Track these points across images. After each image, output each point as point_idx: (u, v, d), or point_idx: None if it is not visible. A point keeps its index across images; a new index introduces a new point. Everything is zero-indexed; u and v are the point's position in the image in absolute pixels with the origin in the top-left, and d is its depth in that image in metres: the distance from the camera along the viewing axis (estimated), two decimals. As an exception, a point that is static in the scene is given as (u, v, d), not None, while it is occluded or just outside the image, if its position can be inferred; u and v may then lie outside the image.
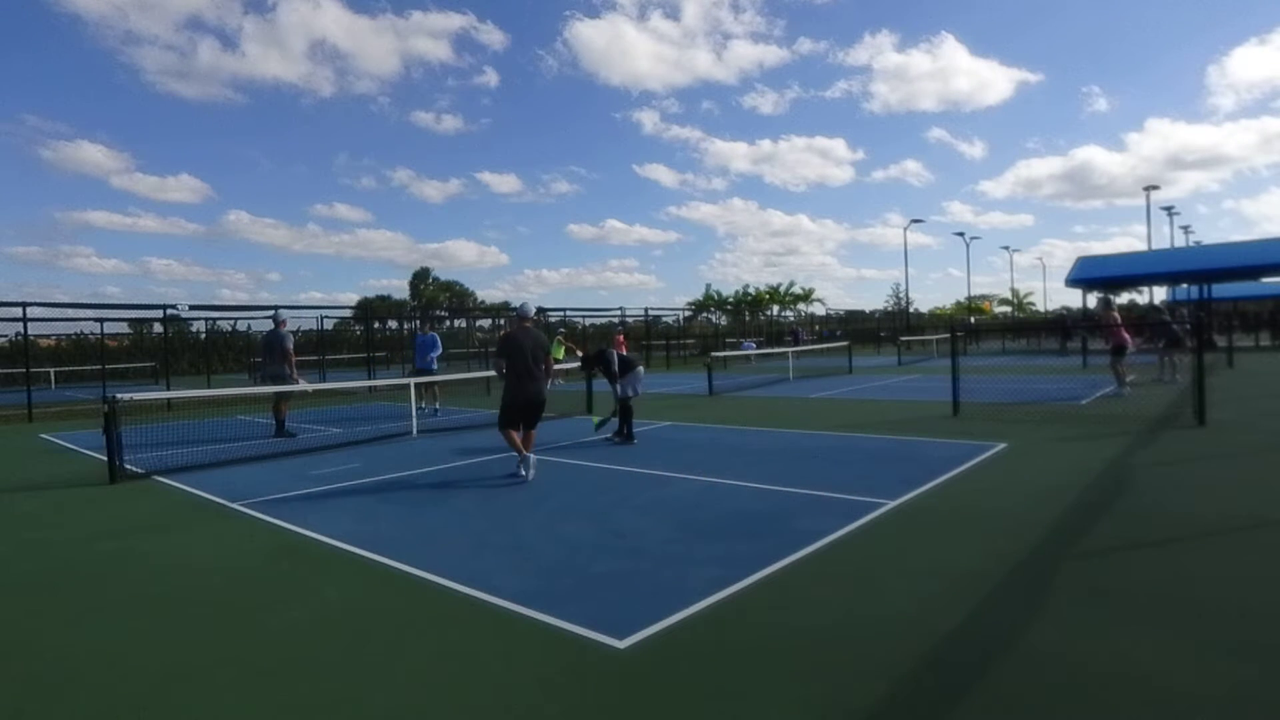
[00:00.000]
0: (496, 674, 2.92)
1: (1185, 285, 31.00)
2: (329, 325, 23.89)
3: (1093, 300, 30.15)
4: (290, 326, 11.76)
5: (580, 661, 2.99)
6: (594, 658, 3.02)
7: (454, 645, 3.21)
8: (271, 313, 11.44)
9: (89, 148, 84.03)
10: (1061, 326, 31.07)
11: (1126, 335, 12.53)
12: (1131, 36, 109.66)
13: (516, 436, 6.89)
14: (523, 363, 6.86)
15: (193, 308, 20.29)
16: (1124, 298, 45.55)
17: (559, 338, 23.82)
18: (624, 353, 23.54)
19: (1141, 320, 12.84)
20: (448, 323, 46.85)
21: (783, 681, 2.76)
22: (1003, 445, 7.68)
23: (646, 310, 33.19)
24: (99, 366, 24.89)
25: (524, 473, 6.73)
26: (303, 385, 10.80)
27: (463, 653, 3.13)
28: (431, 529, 5.22)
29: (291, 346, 10.79)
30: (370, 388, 17.44)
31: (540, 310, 32.21)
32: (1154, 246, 41.55)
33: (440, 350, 14.09)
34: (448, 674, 2.94)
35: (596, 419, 9.92)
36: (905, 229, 49.41)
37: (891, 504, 5.33)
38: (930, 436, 8.51)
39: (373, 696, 2.76)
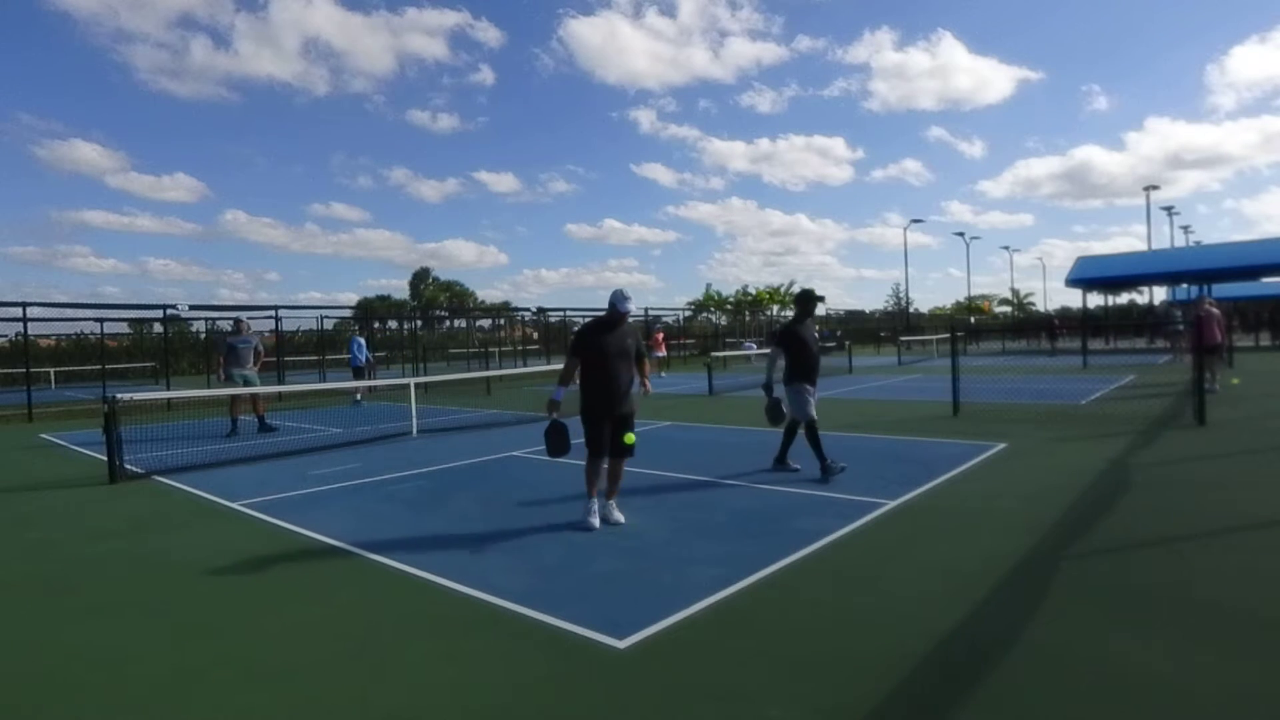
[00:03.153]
0: (497, 674, 2.92)
1: (1185, 285, 30.99)
2: (329, 325, 23.87)
3: (1095, 300, 30.09)
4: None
5: (580, 661, 2.99)
6: (594, 658, 3.02)
7: (454, 645, 3.21)
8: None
9: (83, 146, 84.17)
10: (1049, 326, 30.90)
11: (1219, 332, 11.93)
12: (1132, 34, 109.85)
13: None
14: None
15: (192, 308, 20.26)
16: (1124, 298, 45.53)
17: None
18: (662, 352, 23.07)
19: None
20: (447, 323, 46.87)
21: (783, 681, 2.76)
22: (1003, 445, 7.68)
23: (646, 310, 33.20)
24: (99, 366, 24.88)
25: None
26: (230, 390, 11.08)
27: (463, 653, 3.13)
28: (431, 529, 5.22)
29: (228, 348, 11.16)
30: (370, 388, 17.44)
31: (540, 310, 32.23)
32: (1154, 246, 41.59)
33: (366, 351, 16.96)
34: (448, 674, 2.94)
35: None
36: (905, 229, 49.45)
37: (891, 504, 5.33)
38: (930, 436, 8.51)
39: (373, 697, 2.76)
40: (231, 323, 12.05)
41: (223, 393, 11.34)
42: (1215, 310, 12.31)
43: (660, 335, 24.27)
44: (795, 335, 6.57)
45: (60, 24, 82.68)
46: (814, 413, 6.42)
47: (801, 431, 6.53)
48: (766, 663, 2.92)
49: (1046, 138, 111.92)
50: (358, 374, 16.40)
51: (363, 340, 16.91)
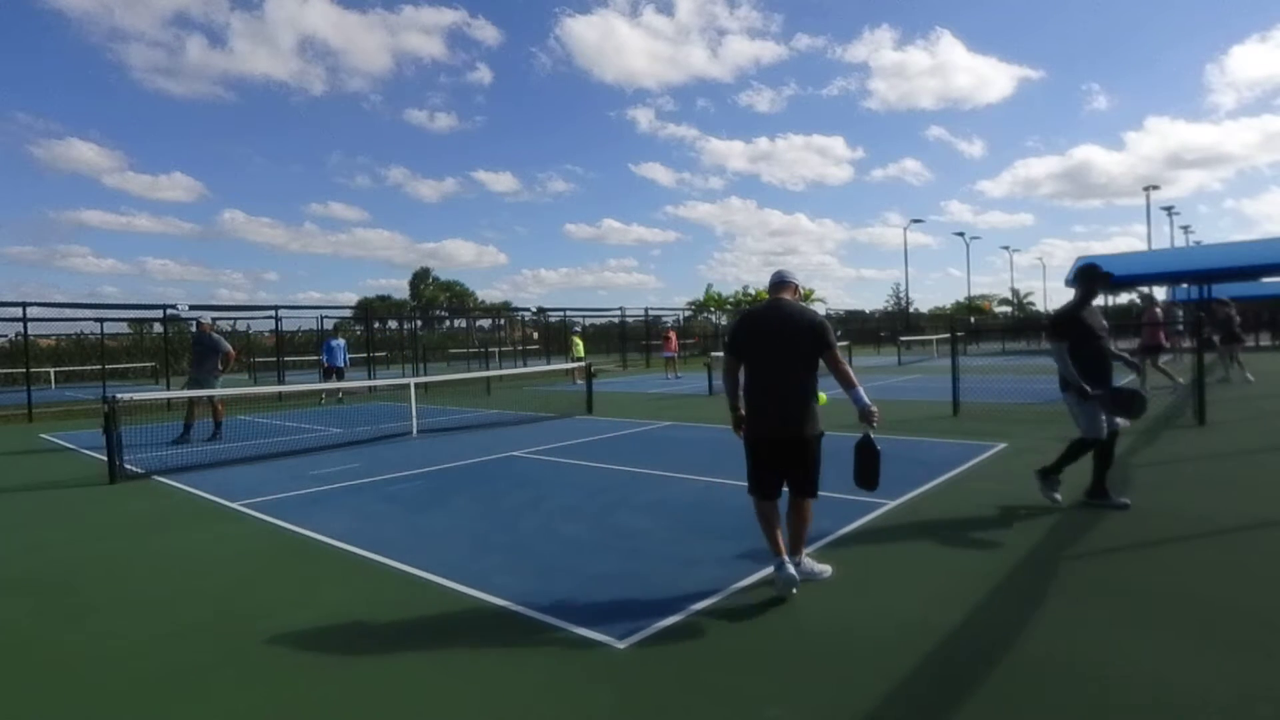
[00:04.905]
0: (496, 675, 2.92)
1: (1185, 285, 30.97)
2: (329, 325, 23.83)
3: (1094, 300, 30.04)
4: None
5: (580, 661, 2.99)
6: (594, 658, 3.02)
7: (454, 646, 3.21)
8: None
9: (80, 146, 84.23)
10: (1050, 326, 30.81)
11: (1162, 336, 12.37)
12: (1132, 34, 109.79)
13: (774, 515, 3.75)
14: (767, 364, 3.74)
15: (192, 308, 20.22)
16: (1124, 298, 45.53)
17: (575, 335, 23.79)
18: (672, 352, 22.65)
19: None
20: (447, 323, 46.87)
21: (782, 681, 2.76)
22: (1003, 445, 7.67)
23: (647, 310, 33.19)
24: (99, 366, 24.89)
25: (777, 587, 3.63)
26: (200, 391, 10.47)
27: (463, 653, 3.13)
28: (431, 529, 5.22)
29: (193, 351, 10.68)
30: (370, 388, 17.46)
31: (540, 310, 32.19)
32: (1154, 246, 41.62)
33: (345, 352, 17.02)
34: (448, 674, 2.93)
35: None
36: (905, 229, 49.51)
37: (891, 504, 5.33)
38: (930, 436, 8.50)
39: (373, 697, 2.76)
40: (197, 324, 11.23)
41: (222, 393, 11.28)
42: (1158, 313, 12.75)
43: (673, 334, 24.06)
44: (1078, 322, 5.12)
45: (54, 22, 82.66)
46: (1105, 429, 5.03)
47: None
48: (766, 663, 2.92)
49: (1046, 137, 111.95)
50: (328, 375, 16.41)
51: (342, 342, 16.93)
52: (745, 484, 3.84)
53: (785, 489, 3.78)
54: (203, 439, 10.19)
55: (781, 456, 3.70)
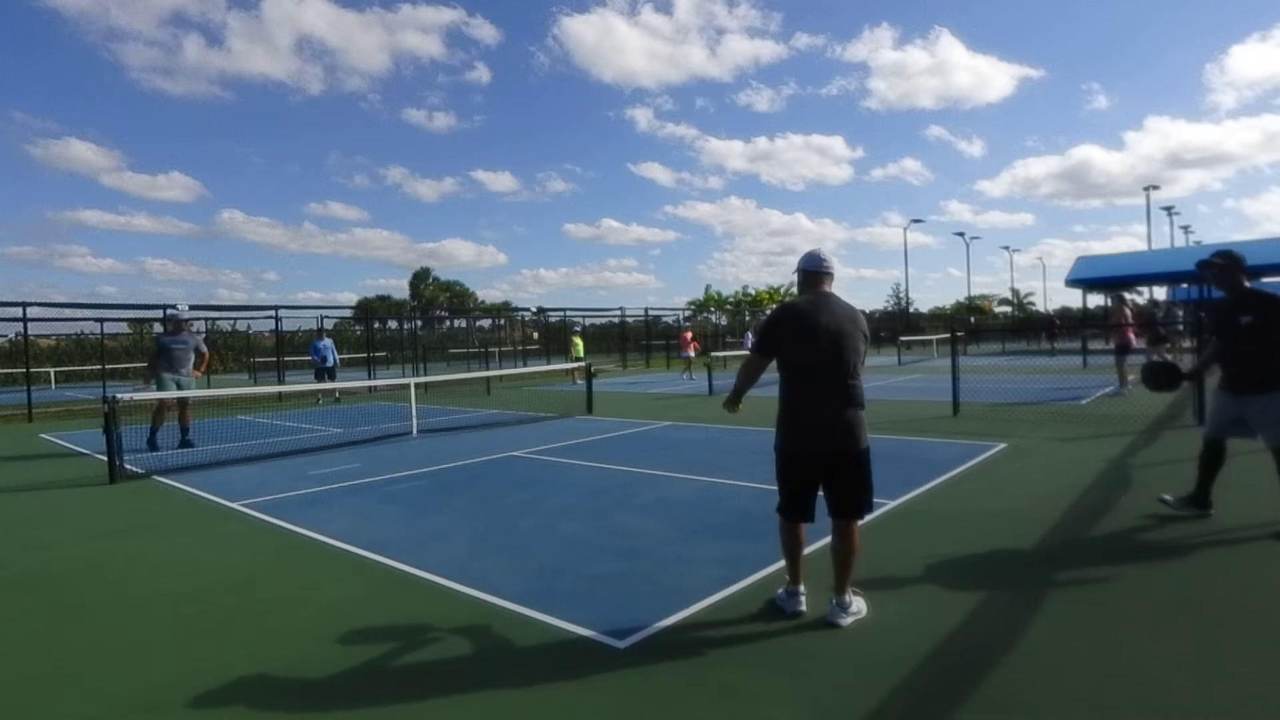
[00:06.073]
0: (496, 675, 2.92)
1: (1185, 285, 30.96)
2: (329, 325, 23.80)
3: (1095, 300, 30.05)
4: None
5: (580, 662, 2.99)
6: (594, 658, 3.02)
7: (454, 646, 3.21)
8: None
9: (78, 145, 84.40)
10: (1049, 325, 30.85)
11: (1131, 335, 12.71)
12: (1132, 33, 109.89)
13: (803, 538, 3.47)
14: (820, 368, 3.27)
15: (192, 307, 20.22)
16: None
17: (575, 335, 23.71)
18: (691, 352, 22.26)
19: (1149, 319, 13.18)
20: (447, 323, 46.87)
21: (783, 682, 2.76)
22: (1003, 445, 7.67)
23: (647, 310, 33.21)
24: (99, 366, 24.90)
25: (801, 606, 3.41)
26: (158, 394, 9.57)
27: (462, 653, 3.13)
28: (431, 529, 5.22)
29: (160, 349, 9.81)
30: (370, 388, 17.46)
31: (540, 310, 32.17)
32: (1154, 246, 41.60)
33: (334, 352, 17.21)
34: (448, 675, 2.94)
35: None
36: (905, 228, 49.50)
37: (891, 504, 5.33)
38: (930, 436, 8.50)
39: (373, 697, 2.76)
40: (170, 322, 10.34)
41: (223, 393, 11.24)
42: (1127, 314, 13.07)
43: (689, 334, 23.89)
44: (1212, 319, 4.83)
45: (51, 22, 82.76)
46: (1220, 431, 4.73)
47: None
48: (766, 662, 2.92)
49: (1046, 137, 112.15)
50: (321, 375, 16.55)
51: (329, 341, 17.11)
52: (745, 483, 3.78)
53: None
54: (140, 445, 9.30)
55: (828, 474, 3.31)
